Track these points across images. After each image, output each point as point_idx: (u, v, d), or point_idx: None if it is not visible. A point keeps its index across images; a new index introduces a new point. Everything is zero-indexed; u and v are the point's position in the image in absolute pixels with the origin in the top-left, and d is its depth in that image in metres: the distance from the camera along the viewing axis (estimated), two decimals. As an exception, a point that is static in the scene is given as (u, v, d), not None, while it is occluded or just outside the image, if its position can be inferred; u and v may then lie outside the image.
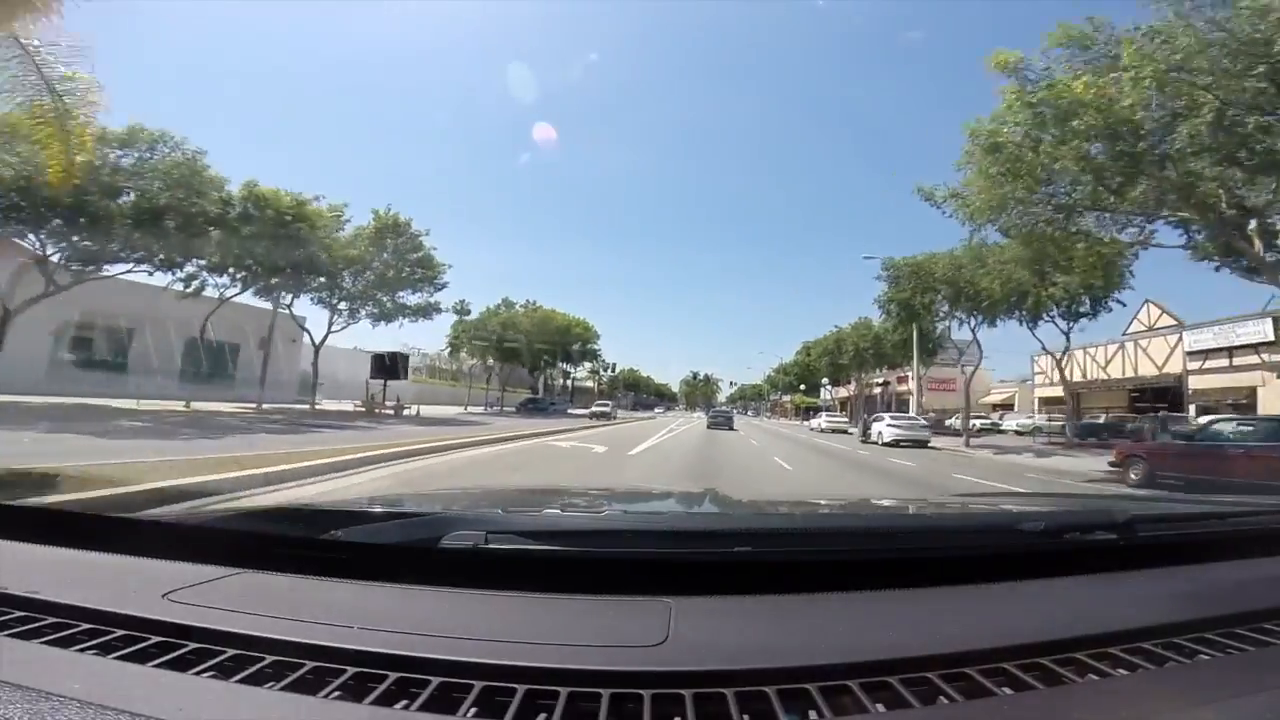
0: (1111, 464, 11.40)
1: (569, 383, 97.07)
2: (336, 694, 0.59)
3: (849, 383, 52.04)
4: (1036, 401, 36.46)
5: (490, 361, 48.79)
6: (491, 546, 0.89)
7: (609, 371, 72.05)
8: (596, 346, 60.32)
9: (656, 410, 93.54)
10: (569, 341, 53.20)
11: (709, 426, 31.29)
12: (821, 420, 38.58)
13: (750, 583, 0.88)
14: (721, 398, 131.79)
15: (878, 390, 47.85)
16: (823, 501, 2.60)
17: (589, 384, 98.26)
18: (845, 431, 32.96)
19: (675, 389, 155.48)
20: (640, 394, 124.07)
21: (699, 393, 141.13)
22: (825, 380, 53.14)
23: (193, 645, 0.66)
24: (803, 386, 66.18)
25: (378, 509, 1.06)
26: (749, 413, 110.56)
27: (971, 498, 2.67)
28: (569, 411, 49.60)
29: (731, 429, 30.84)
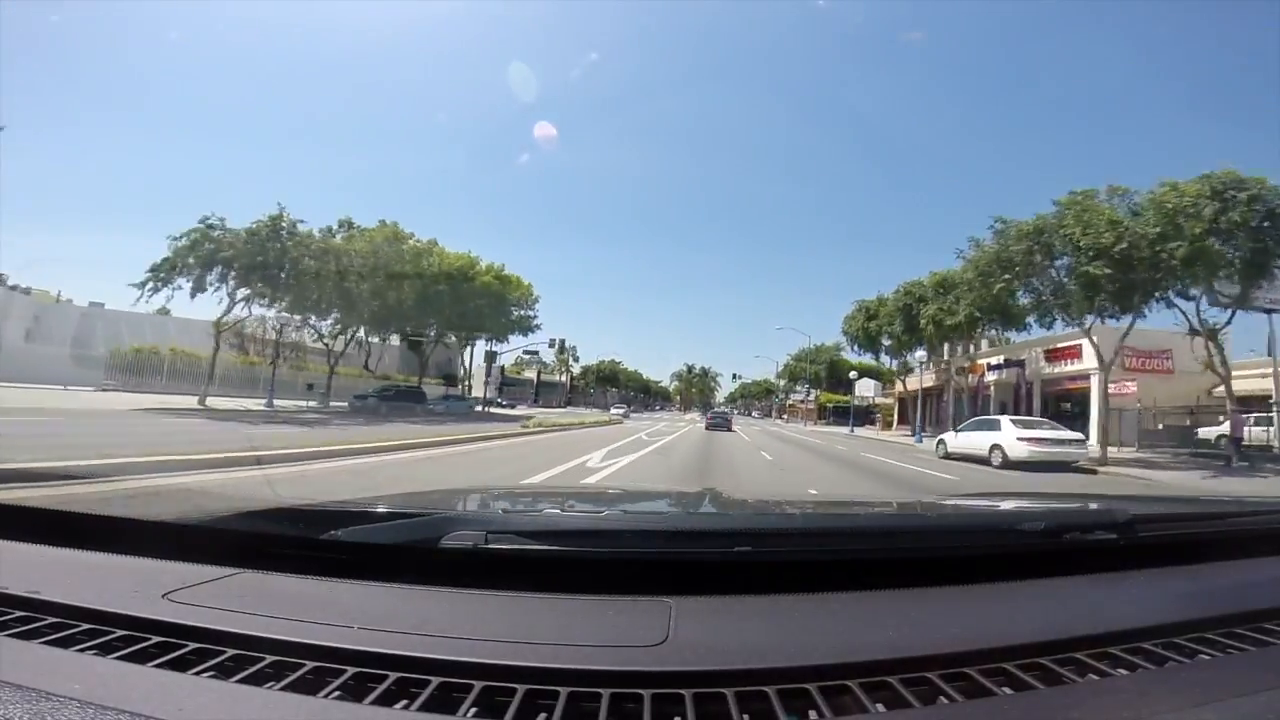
0: None
1: (536, 374, 79.55)
2: (336, 694, 0.59)
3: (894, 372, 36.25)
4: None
5: (284, 315, 26.94)
6: (491, 546, 0.89)
7: (556, 350, 45.69)
8: (531, 313, 38.68)
9: (615, 411, 52.35)
10: (470, 298, 32.18)
11: (708, 428, 29.30)
12: (1011, 439, 14.28)
13: (750, 583, 0.88)
14: (720, 396, 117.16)
15: (991, 378, 28.54)
16: (823, 501, 2.62)
17: (557, 378, 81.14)
18: (1077, 464, 14.07)
19: (670, 387, 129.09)
20: (626, 390, 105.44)
21: (694, 389, 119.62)
22: (934, 352, 30.53)
23: (193, 645, 0.66)
24: (854, 376, 43.97)
25: (378, 509, 1.06)
26: (754, 414, 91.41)
27: (971, 498, 2.68)
28: (487, 410, 34.85)
29: (729, 430, 28.97)
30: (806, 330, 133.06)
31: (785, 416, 71.14)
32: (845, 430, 37.60)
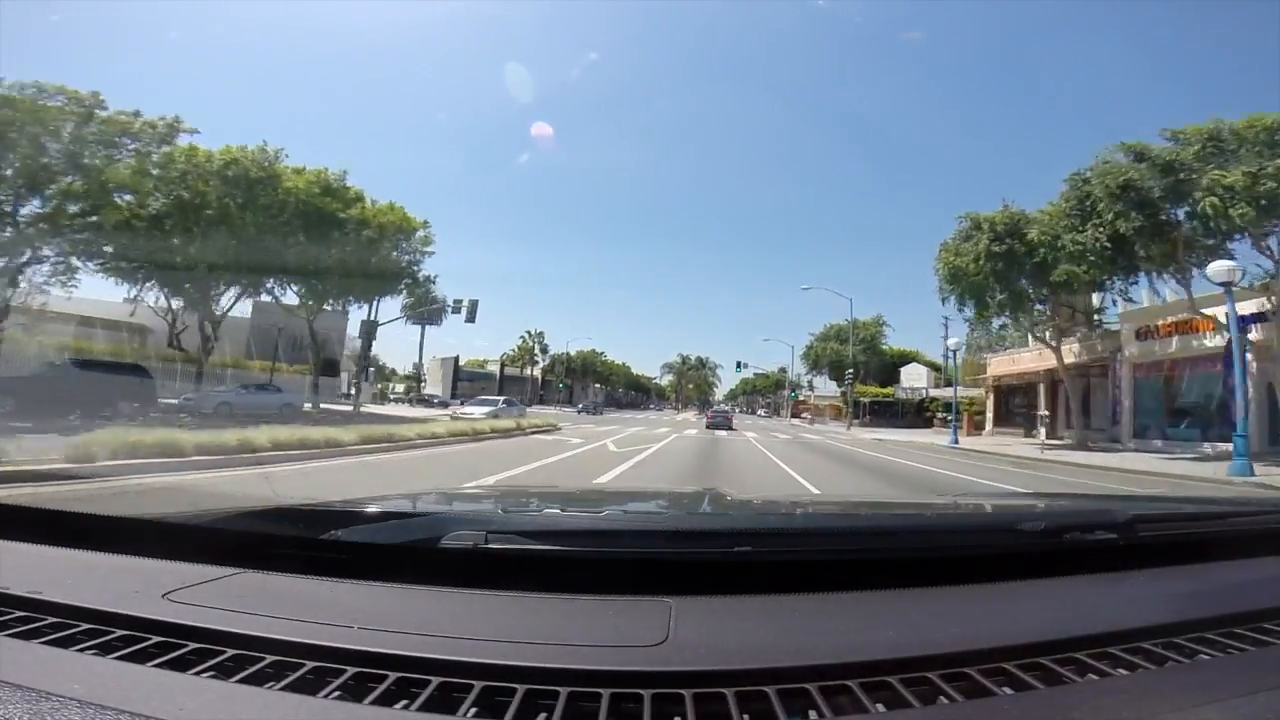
0: None
1: (500, 368, 65.41)
2: (336, 694, 0.59)
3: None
4: None
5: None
6: (491, 546, 0.89)
7: (465, 316, 26.76)
8: (412, 259, 25.66)
9: (476, 410, 21.55)
10: (269, 220, 19.58)
11: (709, 427, 27.64)
12: None
13: (750, 583, 0.88)
14: (719, 394, 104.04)
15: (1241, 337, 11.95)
16: (823, 501, 2.62)
17: (528, 372, 67.43)
18: None
19: (664, 383, 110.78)
20: (614, 386, 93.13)
21: (691, 385, 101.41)
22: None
23: (193, 645, 0.66)
24: (954, 344, 24.82)
25: (378, 509, 1.07)
26: (759, 412, 78.02)
27: (971, 498, 2.68)
28: (358, 412, 22.48)
29: (730, 428, 27.31)
30: (813, 321, 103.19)
31: (807, 415, 50.09)
32: (932, 438, 23.98)
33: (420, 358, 52.22)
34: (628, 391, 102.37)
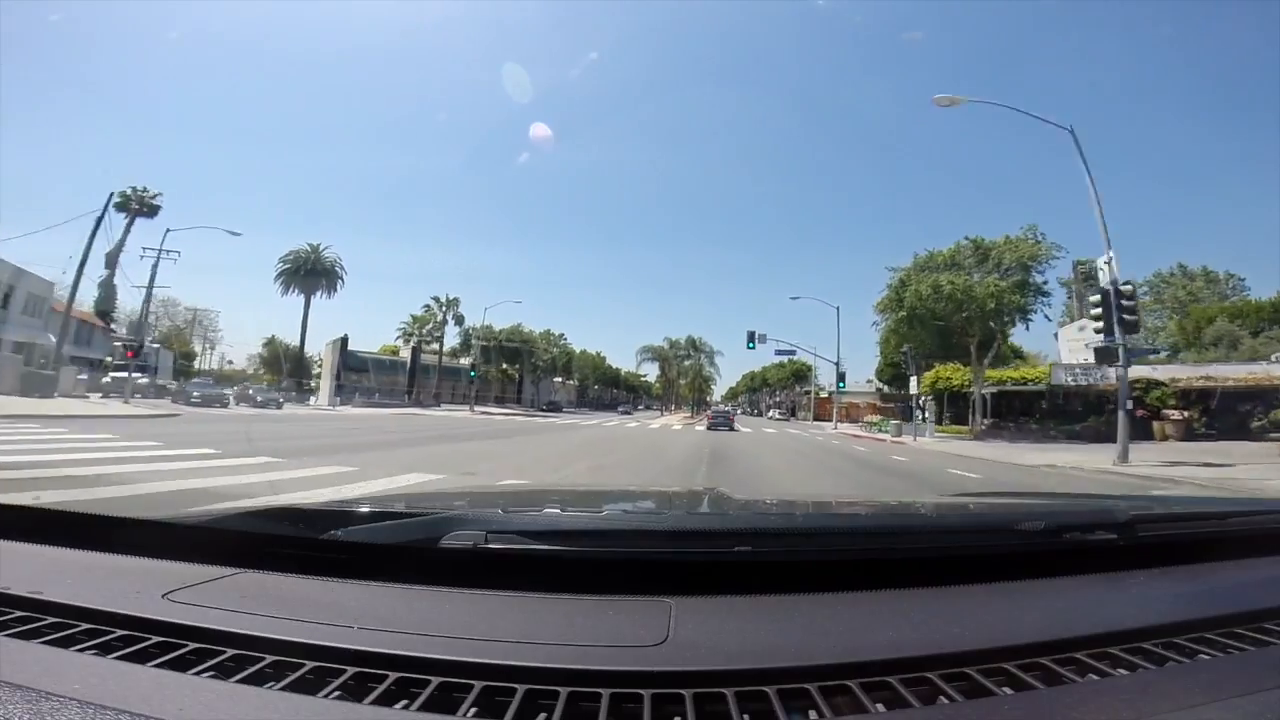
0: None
1: (412, 352, 48.08)
2: (336, 694, 0.59)
3: None
4: None
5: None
6: (491, 546, 0.89)
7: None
8: None
9: None
10: None
11: (710, 427, 25.84)
12: None
13: (750, 583, 0.88)
14: (718, 393, 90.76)
15: None
16: (823, 502, 2.62)
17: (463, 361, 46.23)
18: None
19: (652, 379, 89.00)
20: (594, 384, 77.98)
21: (683, 378, 76.95)
22: None
23: (193, 645, 0.66)
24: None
25: (378, 509, 1.07)
26: (772, 413, 60.72)
27: (971, 498, 2.67)
28: None
29: (731, 428, 25.51)
30: (805, 328, 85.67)
31: (874, 418, 32.16)
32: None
33: (303, 336, 38.62)
34: (607, 388, 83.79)
